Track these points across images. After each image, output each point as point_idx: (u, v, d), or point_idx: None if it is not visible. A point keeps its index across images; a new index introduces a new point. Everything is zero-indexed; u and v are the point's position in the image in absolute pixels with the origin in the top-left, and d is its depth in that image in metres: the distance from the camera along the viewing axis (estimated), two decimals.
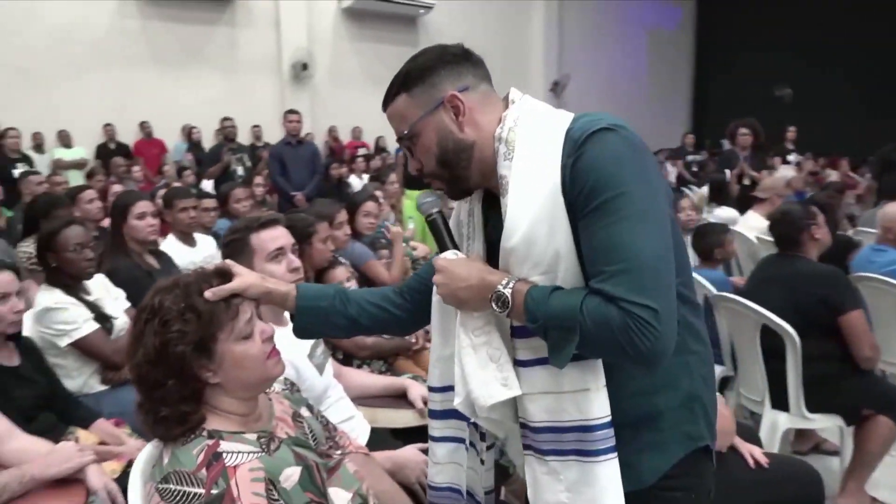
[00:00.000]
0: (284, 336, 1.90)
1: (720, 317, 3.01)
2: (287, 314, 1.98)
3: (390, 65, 1.17)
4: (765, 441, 2.70)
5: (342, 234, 3.41)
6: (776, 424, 2.70)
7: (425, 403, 2.21)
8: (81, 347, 2.44)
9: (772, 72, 13.79)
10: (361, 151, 10.49)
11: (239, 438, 1.25)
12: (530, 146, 1.12)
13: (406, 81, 1.19)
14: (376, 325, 1.51)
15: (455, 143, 1.17)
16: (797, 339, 2.53)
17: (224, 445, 1.21)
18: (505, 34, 12.96)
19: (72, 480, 1.67)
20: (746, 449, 1.98)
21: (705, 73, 16.68)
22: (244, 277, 1.32)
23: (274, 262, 1.90)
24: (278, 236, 1.94)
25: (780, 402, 2.70)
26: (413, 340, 2.79)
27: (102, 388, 2.50)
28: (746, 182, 5.85)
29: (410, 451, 1.91)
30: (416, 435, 2.10)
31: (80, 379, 2.47)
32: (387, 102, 1.22)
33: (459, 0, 11.80)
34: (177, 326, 1.20)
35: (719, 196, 5.49)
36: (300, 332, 1.47)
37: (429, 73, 1.17)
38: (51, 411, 2.12)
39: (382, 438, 2.09)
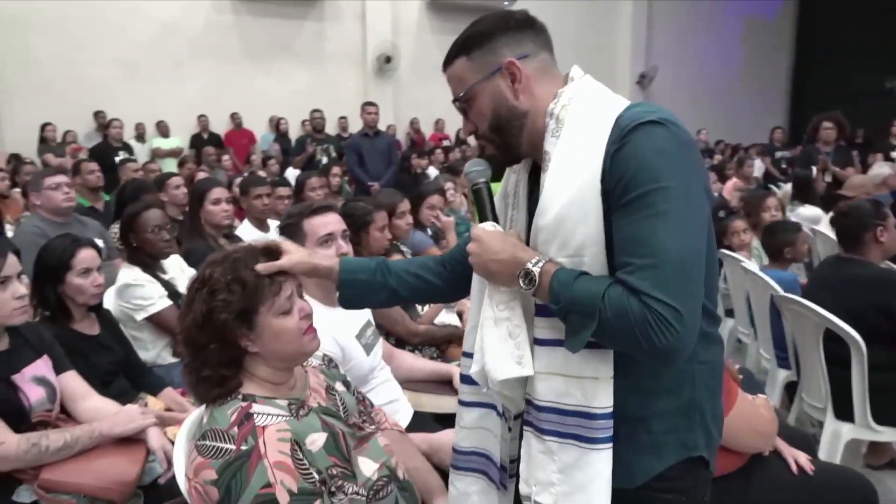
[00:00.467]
0: (334, 317, 2.02)
1: (785, 319, 2.89)
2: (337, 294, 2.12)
3: (442, 68, 1.21)
4: (826, 452, 2.59)
5: (403, 224, 3.50)
6: (838, 434, 2.58)
7: None
8: (155, 322, 2.64)
9: (879, 62, 12.88)
10: (444, 144, 10.62)
11: (271, 403, 1.34)
12: (578, 127, 1.11)
13: (466, 45, 1.20)
14: (415, 295, 1.55)
15: (509, 109, 1.18)
16: (862, 344, 2.40)
17: (256, 408, 1.31)
18: (591, 25, 12.74)
19: (134, 440, 1.83)
20: (790, 453, 1.91)
21: (805, 63, 15.75)
22: (291, 255, 1.39)
23: (324, 246, 1.99)
24: (329, 222, 2.03)
25: (845, 412, 2.57)
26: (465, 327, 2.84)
27: (173, 360, 2.69)
28: (829, 179, 5.52)
29: (447, 435, 1.95)
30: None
31: (153, 351, 2.68)
32: (447, 64, 1.24)
33: None
34: (223, 296, 1.30)
35: (803, 194, 5.22)
36: (344, 303, 1.50)
37: (489, 37, 1.18)
38: (125, 377, 2.32)
39: (424, 422, 2.15)
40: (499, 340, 1.19)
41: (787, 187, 5.99)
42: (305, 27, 10.77)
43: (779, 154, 8.59)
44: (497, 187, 1.34)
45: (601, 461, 1.13)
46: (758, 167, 9.62)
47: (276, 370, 1.40)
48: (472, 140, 10.91)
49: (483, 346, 1.21)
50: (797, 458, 1.90)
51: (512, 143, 1.21)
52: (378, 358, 2.17)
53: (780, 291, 2.90)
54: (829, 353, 2.54)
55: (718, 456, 1.72)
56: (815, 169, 5.62)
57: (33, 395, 1.77)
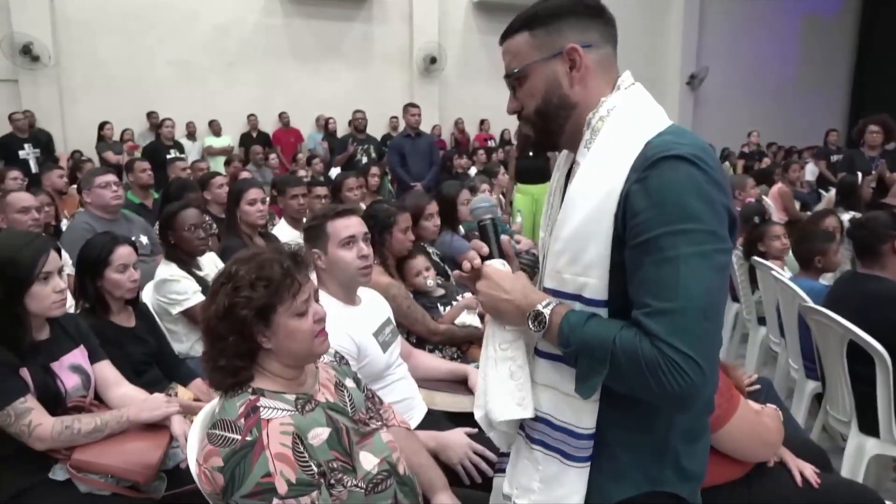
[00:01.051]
0: (353, 315, 2.12)
1: (812, 330, 2.84)
2: (360, 295, 2.19)
3: (500, 38, 1.20)
4: (849, 466, 2.55)
5: (431, 226, 3.55)
6: (862, 449, 2.53)
7: None
8: (189, 316, 2.78)
9: None
10: (489, 144, 10.66)
11: (278, 398, 1.43)
12: (607, 145, 1.08)
13: (531, 20, 1.15)
14: None
15: (560, 98, 1.15)
16: (888, 358, 2.36)
17: (263, 401, 1.40)
18: (641, 25, 12.55)
19: (159, 426, 1.95)
20: (796, 465, 1.90)
21: (867, 63, 15.11)
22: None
23: (345, 248, 2.09)
24: (351, 225, 2.12)
25: (870, 427, 2.52)
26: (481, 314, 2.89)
27: None
28: (873, 185, 5.32)
29: (456, 434, 2.02)
30: (474, 421, 2.20)
31: (187, 343, 2.82)
32: (506, 36, 1.19)
33: None
34: (246, 293, 1.40)
35: (847, 200, 5.06)
36: None
37: (556, 18, 1.13)
38: (158, 368, 2.46)
39: (437, 420, 2.21)
40: (500, 381, 1.20)
41: (832, 193, 5.82)
42: (353, 28, 10.97)
43: (834, 157, 8.30)
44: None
45: (579, 479, 1.15)
46: (810, 171, 9.33)
47: (287, 367, 1.49)
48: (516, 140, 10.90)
49: (485, 387, 1.23)
50: (803, 469, 1.89)
51: (554, 130, 1.19)
52: (395, 356, 2.23)
53: (809, 301, 2.85)
54: (854, 369, 2.50)
55: (721, 463, 1.75)
56: (860, 175, 5.43)
57: (69, 382, 1.91)
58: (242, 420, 1.36)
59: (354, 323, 2.08)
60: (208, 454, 1.34)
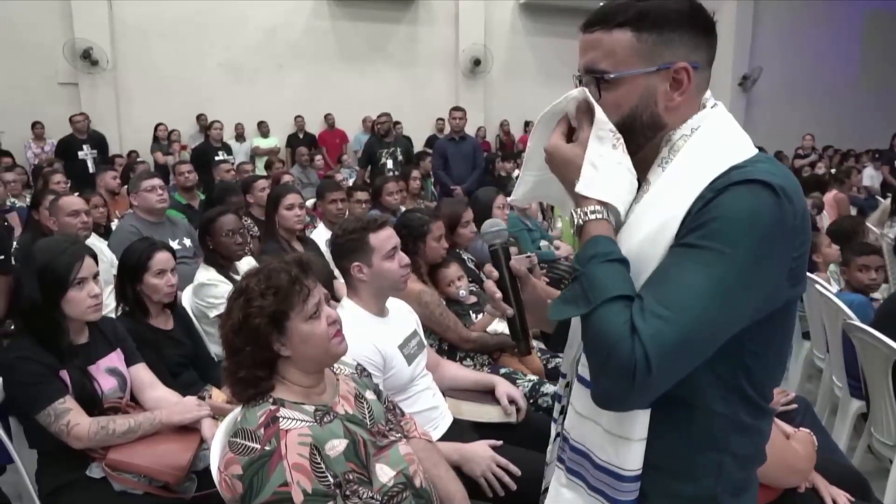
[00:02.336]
0: (380, 327, 2.14)
1: (857, 348, 2.74)
2: (388, 306, 2.23)
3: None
4: (893, 494, 2.45)
5: (468, 233, 3.56)
6: None
7: (511, 402, 2.31)
8: None
9: None
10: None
11: (297, 408, 1.47)
12: (686, 168, 0.98)
13: (640, 19, 0.97)
14: None
15: (651, 117, 1.01)
16: None
17: (283, 412, 1.44)
18: None
19: (190, 429, 2.02)
20: (829, 492, 1.84)
21: None
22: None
23: (389, 259, 2.13)
24: (391, 236, 2.17)
25: None
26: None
27: None
28: None
29: (479, 446, 2.02)
30: (500, 431, 2.20)
31: None
32: (596, 25, 1.01)
33: None
34: (257, 303, 1.44)
35: None
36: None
37: (670, 25, 0.98)
38: (194, 369, 2.54)
39: (463, 430, 2.21)
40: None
41: (888, 202, 5.57)
42: (399, 30, 11.06)
43: None
44: None
45: None
46: (868, 175, 8.99)
47: (307, 374, 1.53)
48: None
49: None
50: (836, 497, 1.83)
51: (631, 150, 1.03)
52: (420, 368, 2.25)
53: (853, 318, 2.75)
54: None
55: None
56: None
57: (106, 384, 1.99)
58: (262, 430, 1.39)
59: (382, 335, 2.10)
60: (228, 462, 1.38)
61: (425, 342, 2.39)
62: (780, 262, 0.92)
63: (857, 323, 2.58)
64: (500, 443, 2.07)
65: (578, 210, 1.00)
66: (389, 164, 6.77)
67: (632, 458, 1.02)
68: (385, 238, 2.13)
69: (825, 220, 5.34)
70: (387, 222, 2.22)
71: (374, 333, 2.08)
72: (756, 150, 0.99)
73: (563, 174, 1.05)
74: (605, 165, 1.00)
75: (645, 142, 1.04)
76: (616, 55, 0.99)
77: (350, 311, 2.14)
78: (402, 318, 2.31)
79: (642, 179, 1.04)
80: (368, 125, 10.50)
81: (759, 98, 13.07)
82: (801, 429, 1.93)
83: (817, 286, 3.22)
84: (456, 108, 6.97)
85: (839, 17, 13.65)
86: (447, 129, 10.34)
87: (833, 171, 7.22)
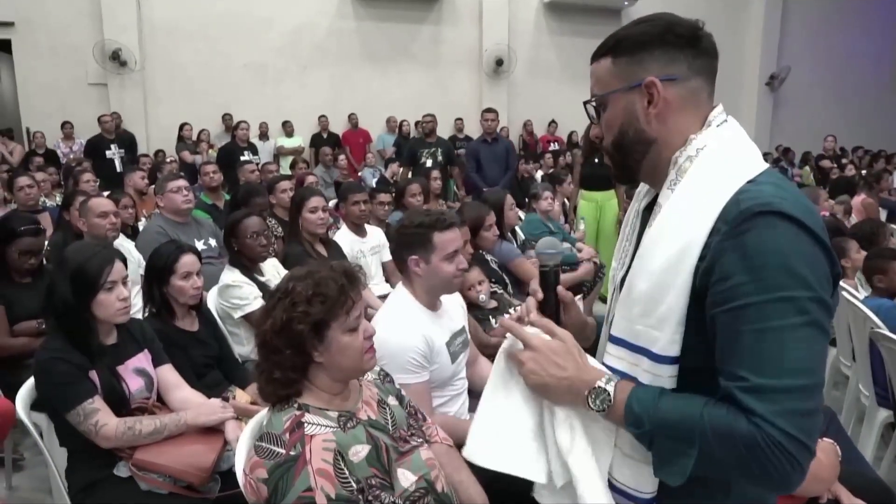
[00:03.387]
0: (432, 320, 2.16)
1: (884, 356, 2.70)
2: (441, 301, 2.25)
3: (589, 59, 1.15)
4: None
5: (491, 235, 3.57)
6: None
7: None
8: (249, 320, 2.89)
9: None
10: (552, 147, 10.54)
11: (322, 414, 1.49)
12: (694, 190, 1.00)
13: (616, 47, 1.07)
14: None
15: (636, 132, 1.07)
16: None
17: (308, 417, 1.46)
18: (718, 24, 11.96)
19: (215, 430, 2.06)
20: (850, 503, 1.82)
21: None
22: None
23: (448, 261, 2.12)
24: (456, 238, 2.16)
25: None
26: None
27: None
28: None
29: None
30: None
31: (248, 346, 2.94)
32: (594, 58, 1.12)
33: None
34: (302, 308, 1.46)
35: None
36: None
37: (641, 46, 1.05)
38: (218, 370, 2.58)
39: None
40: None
41: None
42: (423, 30, 11.08)
43: None
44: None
45: None
46: None
47: (334, 381, 1.55)
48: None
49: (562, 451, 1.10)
50: None
51: (630, 166, 1.11)
52: (462, 366, 2.26)
53: (881, 325, 2.70)
54: None
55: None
56: None
57: (133, 384, 2.04)
58: (287, 435, 1.41)
59: (431, 328, 2.11)
60: (254, 465, 1.41)
61: (470, 340, 2.39)
62: (824, 272, 0.92)
63: (885, 331, 2.54)
64: None
65: (599, 385, 1.03)
66: (429, 163, 6.79)
67: (647, 481, 1.04)
68: (449, 240, 2.12)
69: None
70: (455, 224, 2.19)
71: (426, 325, 2.10)
72: (765, 166, 1.00)
73: (557, 367, 1.07)
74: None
75: (640, 157, 1.09)
76: (601, 81, 1.10)
77: (402, 300, 2.15)
78: (453, 313, 2.31)
79: (658, 189, 1.08)
80: (393, 125, 10.56)
81: (787, 98, 12.88)
82: (824, 439, 1.91)
83: (844, 293, 3.17)
84: (488, 110, 6.93)
85: (871, 15, 13.40)
86: (467, 130, 10.40)
87: (864, 172, 7.06)
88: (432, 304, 2.20)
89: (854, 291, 3.24)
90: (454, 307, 2.35)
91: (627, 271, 1.11)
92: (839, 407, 3.40)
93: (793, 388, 0.88)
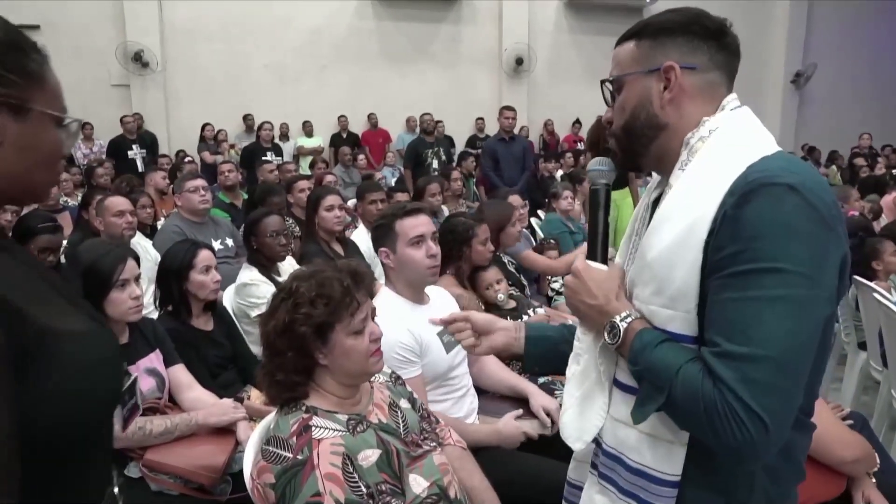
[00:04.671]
0: (419, 313, 2.12)
1: None
2: (428, 294, 2.23)
3: (611, 58, 1.15)
4: None
5: (514, 231, 3.53)
6: None
7: (548, 415, 2.25)
8: None
9: None
10: (579, 147, 10.44)
11: (331, 417, 1.45)
12: (705, 166, 0.99)
13: (641, 31, 1.09)
14: None
15: (648, 116, 1.07)
16: None
17: (315, 420, 1.42)
18: (742, 21, 11.80)
19: (227, 431, 2.04)
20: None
21: None
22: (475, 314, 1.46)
23: (414, 247, 2.10)
24: (420, 224, 2.13)
25: None
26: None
27: None
28: None
29: (510, 424, 2.11)
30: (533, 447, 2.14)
31: None
32: (617, 43, 1.14)
33: None
34: (305, 309, 1.43)
35: None
36: (532, 362, 1.43)
37: (665, 33, 1.06)
38: (233, 370, 2.55)
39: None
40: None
41: None
42: (442, 30, 11.04)
43: None
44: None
45: None
46: None
47: (342, 385, 1.51)
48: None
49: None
50: None
51: (637, 151, 1.11)
52: (460, 358, 2.21)
53: None
54: None
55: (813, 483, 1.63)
56: None
57: (145, 384, 2.02)
58: (294, 438, 1.38)
59: (418, 321, 2.07)
60: (261, 470, 1.37)
61: None
62: (828, 258, 0.90)
63: None
64: (520, 411, 2.22)
65: (614, 321, 1.04)
66: (435, 164, 6.73)
67: (672, 461, 1.02)
68: (411, 226, 2.10)
69: (883, 224, 5.10)
70: (420, 210, 2.19)
71: (409, 319, 2.06)
72: (777, 149, 0.99)
73: (589, 294, 1.09)
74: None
75: (648, 141, 1.09)
76: (621, 63, 1.11)
77: (384, 298, 2.12)
78: (443, 305, 2.27)
79: (666, 177, 1.09)
80: (412, 125, 10.53)
81: (813, 96, 12.64)
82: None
83: (875, 294, 3.07)
84: (507, 108, 6.86)
85: None
86: (487, 129, 10.36)
87: (894, 171, 6.88)
88: (418, 298, 2.17)
89: (887, 294, 3.13)
90: (444, 300, 2.32)
91: (630, 258, 1.12)
92: (870, 413, 3.29)
93: (760, 357, 0.87)
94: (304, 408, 1.45)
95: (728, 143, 1.00)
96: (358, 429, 1.47)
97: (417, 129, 10.37)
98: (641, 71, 1.07)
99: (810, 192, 0.88)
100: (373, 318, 1.56)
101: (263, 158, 7.47)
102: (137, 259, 2.04)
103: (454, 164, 7.03)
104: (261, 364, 1.55)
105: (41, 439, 0.79)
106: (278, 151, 8.64)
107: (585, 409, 1.17)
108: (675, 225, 0.98)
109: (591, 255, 1.15)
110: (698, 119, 1.05)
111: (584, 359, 1.17)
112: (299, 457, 1.34)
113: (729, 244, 0.90)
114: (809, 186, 0.89)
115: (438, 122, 9.30)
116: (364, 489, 1.37)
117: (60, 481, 0.84)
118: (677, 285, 0.97)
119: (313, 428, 1.40)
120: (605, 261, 1.15)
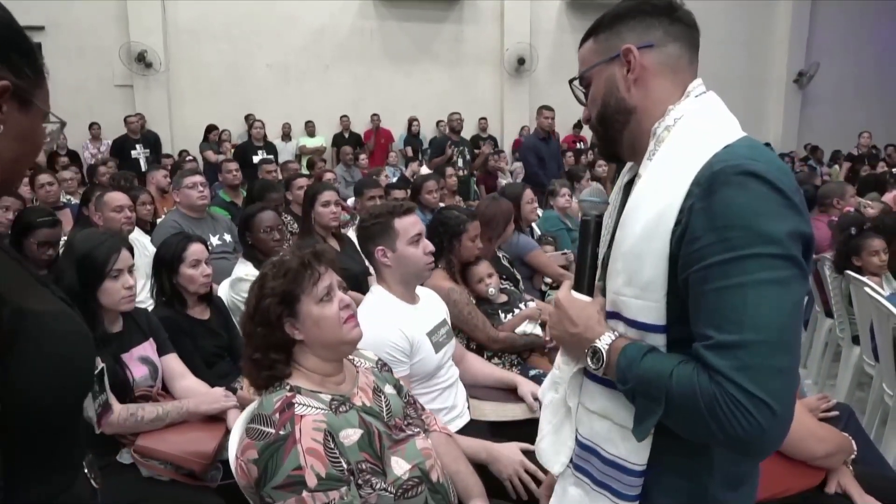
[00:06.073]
0: (410, 313, 2.16)
1: None
2: (418, 294, 2.26)
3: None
4: None
5: (508, 230, 3.53)
6: None
7: (535, 399, 2.28)
8: None
9: None
10: (579, 146, 10.46)
11: (314, 396, 1.49)
12: (670, 156, 1.00)
13: (596, 26, 1.12)
14: None
15: (617, 101, 1.09)
16: None
17: (299, 398, 1.46)
18: (745, 20, 11.95)
19: (218, 419, 2.07)
20: (863, 500, 1.75)
21: None
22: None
23: (413, 245, 2.15)
24: (416, 222, 2.18)
25: None
26: (547, 339, 2.85)
27: None
28: None
29: (509, 448, 1.96)
30: (519, 430, 2.17)
31: None
32: (580, 46, 1.16)
33: None
34: (270, 284, 1.49)
35: None
36: None
37: (617, 20, 1.09)
38: (229, 360, 2.58)
39: (479, 430, 2.19)
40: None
41: None
42: (444, 29, 11.08)
43: None
44: None
45: None
46: None
47: (323, 360, 1.55)
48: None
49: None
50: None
51: (613, 137, 1.12)
52: (447, 357, 2.25)
53: None
54: None
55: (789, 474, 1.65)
56: None
57: (138, 372, 2.05)
58: (277, 415, 1.41)
59: (410, 320, 2.11)
60: (245, 447, 1.41)
61: (453, 333, 2.38)
62: (798, 238, 0.91)
63: None
64: (533, 447, 2.05)
65: (595, 345, 1.05)
66: (460, 162, 6.79)
67: (639, 453, 1.04)
68: (410, 223, 2.15)
69: None
70: (413, 208, 2.24)
71: (402, 319, 2.10)
72: (741, 135, 0.99)
73: (570, 323, 1.11)
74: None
75: (621, 127, 1.11)
76: (585, 60, 1.15)
77: (378, 296, 2.16)
78: (432, 306, 2.31)
79: (635, 175, 1.09)
80: (416, 127, 10.55)
81: (816, 95, 12.62)
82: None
83: (866, 289, 3.08)
84: (546, 108, 6.92)
85: None
86: (490, 129, 10.39)
87: (894, 170, 6.87)
88: (409, 297, 2.20)
89: (878, 288, 3.14)
90: (433, 300, 2.35)
91: (609, 247, 1.11)
92: (863, 408, 3.31)
93: (754, 342, 0.87)
94: (287, 387, 1.49)
95: (692, 132, 1.00)
96: (341, 409, 1.50)
97: (419, 129, 10.44)
98: (603, 60, 1.10)
99: (774, 177, 0.90)
100: (343, 291, 1.60)
101: (255, 157, 7.48)
102: (131, 250, 2.07)
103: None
104: (243, 353, 1.59)
105: (32, 411, 0.83)
106: (270, 149, 8.66)
107: (561, 433, 1.22)
108: (642, 215, 0.99)
109: (577, 286, 1.16)
110: (666, 97, 1.06)
111: (562, 388, 1.21)
112: (282, 432, 1.37)
113: (703, 235, 0.91)
114: (772, 172, 0.90)
115: (440, 121, 9.33)
116: (345, 465, 1.40)
117: (48, 454, 0.88)
118: (647, 276, 0.98)
119: (296, 405, 1.43)
120: (591, 292, 1.16)
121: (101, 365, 1.42)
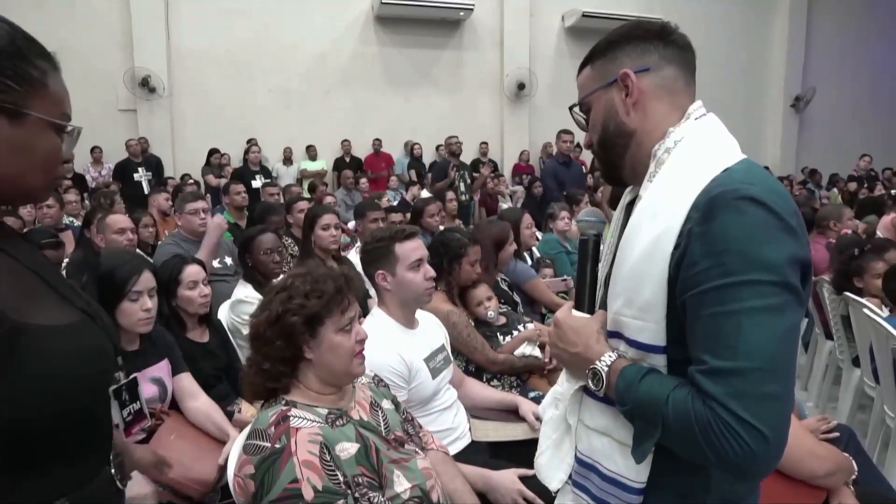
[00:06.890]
0: (408, 338, 2.17)
1: None
2: (418, 318, 2.27)
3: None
4: None
5: (507, 254, 3.54)
6: None
7: (537, 419, 2.28)
8: None
9: None
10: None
11: (310, 409, 1.49)
12: (670, 179, 1.01)
13: (592, 53, 1.15)
14: None
15: (616, 126, 1.10)
16: None
17: (294, 412, 1.46)
18: (741, 44, 12.09)
19: (220, 444, 2.08)
20: None
21: None
22: None
23: (414, 270, 2.16)
24: (418, 247, 2.19)
25: None
26: (546, 360, 2.85)
27: None
28: None
29: (507, 476, 1.94)
30: (519, 450, 2.16)
31: None
32: (578, 74, 1.19)
33: (692, 11, 11.31)
34: (298, 301, 1.49)
35: None
36: None
37: (612, 46, 1.11)
38: (227, 382, 2.58)
39: (479, 451, 2.20)
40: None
41: None
42: (444, 55, 11.22)
43: None
44: None
45: None
46: None
47: (323, 383, 1.55)
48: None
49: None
50: None
51: (615, 162, 1.14)
52: (444, 383, 2.25)
53: None
54: None
55: (790, 494, 1.64)
56: None
57: (146, 391, 2.04)
58: (272, 428, 1.41)
59: (408, 346, 2.12)
60: (242, 463, 1.40)
61: (451, 358, 2.39)
62: (796, 264, 0.92)
63: None
64: (532, 472, 2.03)
65: (595, 366, 1.06)
66: (462, 186, 6.83)
67: (640, 470, 1.05)
68: (411, 249, 2.16)
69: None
70: (415, 233, 2.25)
71: (401, 344, 2.10)
72: (741, 157, 1.00)
73: (570, 343, 1.12)
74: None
75: (622, 151, 1.12)
76: (583, 87, 1.17)
77: (378, 320, 2.17)
78: (431, 331, 2.32)
79: (636, 197, 1.10)
80: (418, 151, 10.61)
81: (813, 119, 12.72)
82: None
83: (865, 311, 3.08)
84: (565, 132, 6.96)
85: None
86: (490, 153, 10.45)
87: (893, 192, 6.91)
88: (409, 321, 2.21)
89: (877, 310, 3.15)
90: (432, 325, 2.36)
91: (611, 267, 1.11)
92: (864, 430, 3.29)
93: (748, 370, 0.88)
94: (283, 401, 1.49)
95: (691, 155, 1.02)
96: (338, 423, 1.51)
97: (421, 152, 10.50)
98: (602, 86, 1.12)
99: (772, 201, 0.90)
100: (359, 322, 1.61)
101: (254, 181, 7.52)
102: (155, 272, 2.08)
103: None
104: (247, 359, 1.59)
105: (30, 426, 0.84)
106: (267, 174, 8.69)
107: (560, 449, 1.22)
108: (642, 238, 1.00)
109: (578, 306, 1.17)
110: (664, 120, 1.08)
111: (562, 404, 1.22)
112: (277, 445, 1.37)
113: (701, 260, 0.91)
114: (770, 196, 0.91)
115: (439, 145, 9.39)
116: (341, 478, 1.40)
117: (47, 467, 0.89)
118: (646, 297, 0.99)
119: (292, 418, 1.44)
120: (591, 311, 1.17)
121: (133, 375, 1.42)
